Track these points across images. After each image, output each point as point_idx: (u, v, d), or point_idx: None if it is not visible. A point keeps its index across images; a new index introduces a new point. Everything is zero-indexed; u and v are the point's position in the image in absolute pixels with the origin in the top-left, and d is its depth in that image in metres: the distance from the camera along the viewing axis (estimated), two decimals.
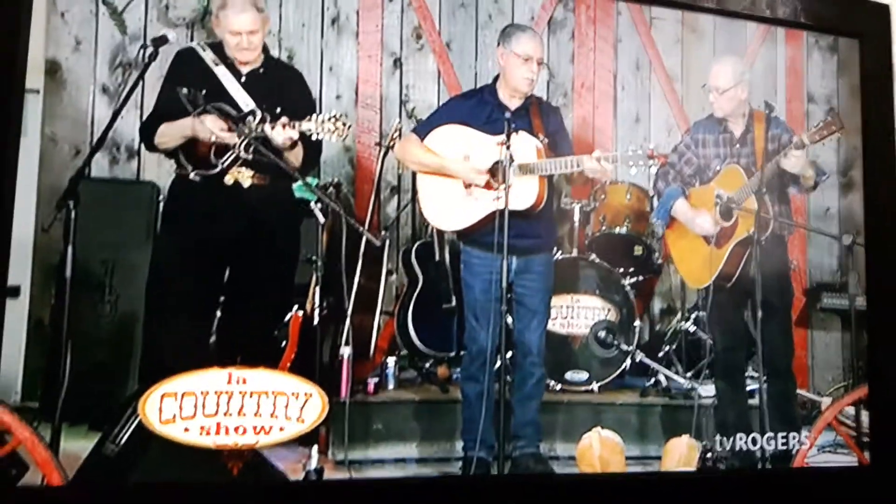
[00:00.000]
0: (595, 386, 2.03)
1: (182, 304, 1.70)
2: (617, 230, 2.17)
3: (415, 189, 1.96)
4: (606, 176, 1.89)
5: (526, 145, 1.84)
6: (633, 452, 1.82)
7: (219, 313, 1.73)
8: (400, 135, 1.95)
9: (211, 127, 1.66)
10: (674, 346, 2.13)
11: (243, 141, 1.67)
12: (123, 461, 1.47)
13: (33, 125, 1.64)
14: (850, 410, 1.79)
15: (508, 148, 1.80)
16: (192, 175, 1.69)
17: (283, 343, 1.70)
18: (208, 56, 1.73)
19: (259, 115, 1.69)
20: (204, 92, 1.67)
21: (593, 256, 2.13)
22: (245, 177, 1.71)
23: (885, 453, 1.68)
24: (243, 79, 1.74)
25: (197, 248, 1.71)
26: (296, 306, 1.75)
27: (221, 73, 1.72)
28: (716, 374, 1.98)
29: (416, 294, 2.03)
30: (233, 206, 1.71)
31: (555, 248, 2.00)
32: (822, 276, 2.10)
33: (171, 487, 1.41)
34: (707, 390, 1.94)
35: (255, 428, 1.47)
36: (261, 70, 1.76)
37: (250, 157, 1.68)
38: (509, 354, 1.85)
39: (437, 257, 2.04)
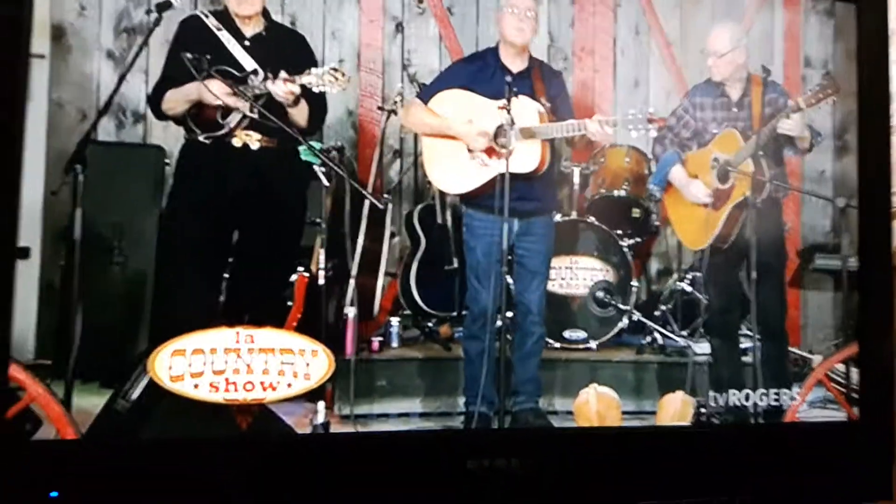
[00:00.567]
0: (593, 344, 2.07)
1: (192, 264, 1.74)
2: (616, 193, 2.20)
3: (416, 153, 1.98)
4: (608, 139, 1.91)
5: (528, 109, 1.86)
6: (629, 408, 1.86)
7: (227, 274, 1.75)
8: (402, 99, 1.97)
9: (215, 89, 1.68)
10: (670, 306, 2.17)
11: (248, 99, 1.69)
12: (135, 416, 1.51)
13: (39, 90, 1.65)
14: (841, 368, 1.83)
15: (509, 112, 1.82)
16: (201, 137, 1.71)
17: (290, 303, 1.74)
18: (212, 22, 1.74)
19: (261, 73, 1.71)
20: (209, 57, 1.68)
21: (592, 219, 2.15)
22: (253, 139, 1.73)
23: (873, 409, 1.72)
24: (247, 42, 1.75)
25: (207, 210, 1.74)
26: (301, 268, 1.78)
27: (225, 37, 1.73)
28: (710, 333, 2.02)
29: (418, 256, 2.06)
30: (242, 168, 1.74)
31: (555, 211, 2.04)
32: (815, 237, 2.13)
33: (181, 441, 1.45)
34: (702, 348, 1.98)
35: (262, 384, 1.51)
36: (264, 33, 1.77)
37: (256, 116, 1.70)
38: (510, 314, 1.89)
39: (439, 220, 2.07)
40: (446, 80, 1.92)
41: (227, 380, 1.49)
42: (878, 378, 1.73)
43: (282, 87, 1.69)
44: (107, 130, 1.77)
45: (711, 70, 2.02)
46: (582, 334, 2.07)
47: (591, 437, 1.70)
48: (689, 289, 2.15)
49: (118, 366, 1.58)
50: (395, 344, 1.96)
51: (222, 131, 1.71)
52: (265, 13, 1.78)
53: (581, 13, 2.16)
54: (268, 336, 1.53)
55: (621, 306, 2.09)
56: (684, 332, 2.11)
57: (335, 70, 1.71)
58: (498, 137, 1.84)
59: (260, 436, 1.51)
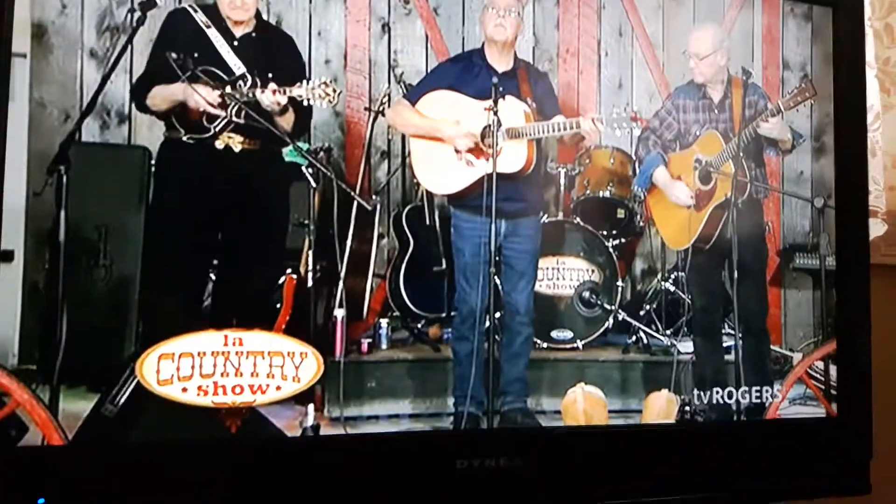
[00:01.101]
0: (579, 344, 2.09)
1: (176, 266, 1.72)
2: (601, 194, 2.22)
3: (405, 153, 1.98)
4: (597, 138, 1.93)
5: (514, 110, 1.87)
6: (616, 406, 1.88)
7: (212, 276, 1.74)
8: (389, 100, 1.97)
9: (200, 96, 1.66)
10: (654, 305, 2.20)
11: (234, 105, 1.68)
12: (123, 421, 1.50)
13: (21, 90, 1.62)
14: (820, 365, 1.87)
15: (496, 112, 1.84)
16: (184, 138, 1.69)
17: (278, 305, 1.73)
18: (200, 17, 1.71)
19: (249, 80, 1.70)
20: (196, 55, 1.66)
21: (578, 220, 2.18)
22: (236, 141, 1.71)
23: (851, 405, 1.77)
24: (236, 42, 1.73)
25: (190, 213, 1.72)
26: (289, 269, 1.78)
27: (213, 35, 1.71)
28: (694, 332, 2.06)
29: (407, 257, 2.06)
30: (224, 170, 1.72)
31: (541, 212, 2.06)
32: (795, 237, 2.16)
33: (170, 445, 1.44)
34: (685, 347, 2.01)
35: (251, 387, 1.50)
36: (253, 34, 1.76)
37: (242, 121, 1.69)
38: (498, 315, 1.90)
39: (427, 221, 2.07)
40: (433, 81, 1.92)
41: (215, 383, 1.48)
42: (855, 375, 1.77)
43: (270, 98, 1.68)
44: (91, 131, 1.74)
45: (693, 72, 2.05)
46: (569, 334, 2.09)
47: (579, 436, 1.72)
48: (672, 288, 2.18)
49: (105, 370, 1.55)
50: (384, 345, 1.96)
51: (207, 134, 1.69)
52: (257, 13, 1.76)
53: (565, 14, 2.17)
54: (256, 339, 1.52)
55: (607, 306, 2.11)
56: (668, 332, 2.14)
57: (326, 84, 1.71)
58: (485, 138, 1.85)
59: (249, 439, 1.51)
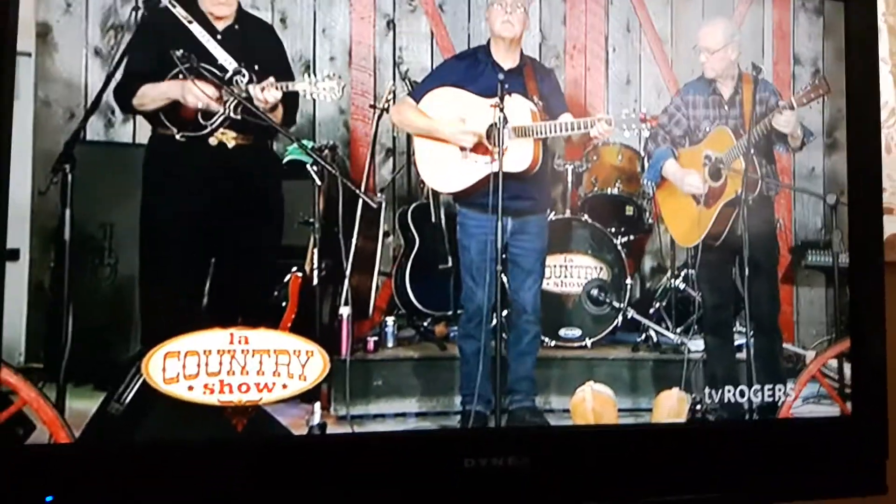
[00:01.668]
0: (588, 342, 2.07)
1: (173, 266, 1.71)
2: (609, 191, 2.21)
3: (410, 151, 1.97)
4: (606, 137, 1.92)
5: (520, 108, 1.86)
6: (625, 405, 1.86)
7: (210, 275, 1.74)
8: (394, 97, 1.96)
9: (200, 91, 1.65)
10: (664, 303, 2.18)
11: (232, 102, 1.67)
12: (129, 419, 1.49)
13: (26, 88, 1.63)
14: (834, 363, 1.84)
15: (502, 110, 1.83)
16: (177, 136, 1.68)
17: (284, 304, 1.73)
18: (180, 13, 1.69)
19: (247, 75, 1.69)
20: (181, 52, 1.65)
21: (586, 217, 2.16)
22: (229, 137, 1.71)
23: (866, 404, 1.74)
24: (219, 36, 1.71)
25: (185, 211, 1.71)
26: (294, 268, 1.77)
27: (197, 30, 1.69)
28: (704, 330, 2.03)
29: (412, 255, 2.05)
30: (219, 167, 1.71)
31: (549, 209, 2.04)
32: (807, 234, 2.14)
33: (177, 444, 1.44)
34: (696, 345, 1.99)
35: (258, 385, 1.50)
36: (235, 26, 1.73)
37: (238, 117, 1.68)
38: (505, 313, 1.89)
39: (433, 219, 2.07)
40: (438, 78, 1.91)
41: (221, 381, 1.48)
42: (870, 373, 1.75)
43: (272, 94, 1.68)
44: (95, 130, 1.74)
45: (704, 67, 2.03)
46: (577, 332, 2.07)
47: (588, 435, 1.70)
48: (682, 286, 2.16)
49: (111, 368, 1.55)
50: (390, 344, 1.95)
51: (203, 132, 1.68)
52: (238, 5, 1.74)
53: (573, 10, 2.15)
54: (262, 337, 1.52)
55: (616, 304, 2.10)
56: (679, 330, 2.12)
57: (330, 78, 1.70)
58: (490, 136, 1.84)
59: (256, 437, 1.50)
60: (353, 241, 1.88)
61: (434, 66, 2.01)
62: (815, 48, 2.18)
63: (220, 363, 1.48)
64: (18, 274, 1.57)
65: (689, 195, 2.03)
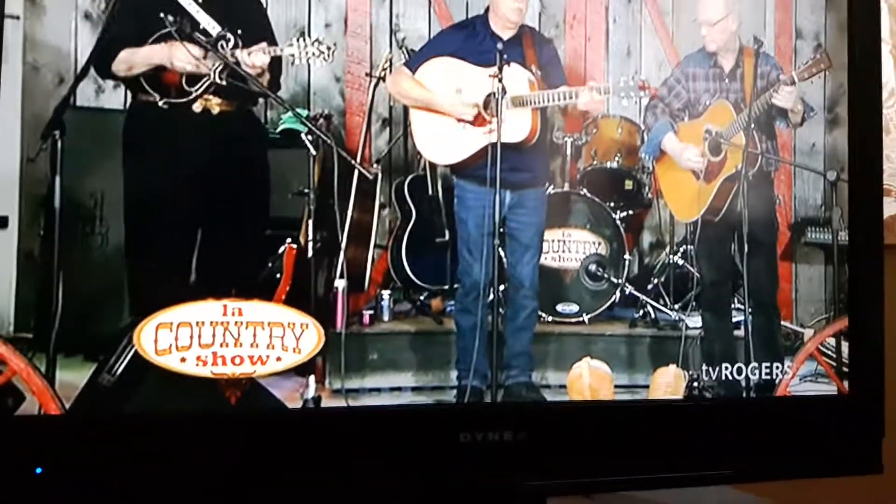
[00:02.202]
0: (585, 318, 2.06)
1: (160, 237, 1.68)
2: (608, 164, 2.19)
3: (407, 122, 1.94)
4: (600, 108, 1.91)
5: (518, 77, 1.83)
6: (622, 381, 1.84)
7: (197, 245, 1.71)
8: (391, 66, 1.92)
9: (187, 56, 1.62)
10: (662, 279, 2.17)
11: (218, 67, 1.64)
12: (120, 391, 1.47)
13: (14, 52, 1.59)
14: (832, 342, 1.84)
15: (500, 80, 1.80)
16: (160, 103, 1.64)
17: (278, 275, 1.71)
18: None
19: (232, 39, 1.65)
20: (162, 14, 1.61)
21: (584, 191, 2.14)
22: (213, 104, 1.67)
23: (863, 383, 1.74)
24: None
25: (169, 180, 1.66)
26: (289, 239, 1.75)
27: None
28: (702, 307, 2.03)
29: (409, 228, 2.03)
30: (204, 133, 1.67)
31: (547, 183, 2.02)
32: (806, 211, 2.12)
33: (169, 416, 1.42)
34: (694, 322, 1.99)
35: (251, 358, 1.48)
36: None
37: (224, 83, 1.64)
38: (502, 287, 1.87)
39: (430, 191, 2.04)
40: (435, 47, 1.88)
41: (214, 353, 1.46)
42: (868, 352, 1.75)
43: (261, 59, 1.64)
44: (86, 95, 1.70)
45: (705, 40, 2.01)
46: (574, 308, 2.06)
47: (584, 411, 1.70)
48: (681, 262, 2.15)
49: (102, 339, 1.53)
50: (386, 317, 1.93)
51: (187, 98, 1.64)
52: None
53: None
54: (256, 309, 1.50)
55: (614, 280, 2.08)
56: (677, 306, 2.11)
57: (320, 42, 1.66)
58: (488, 107, 1.82)
59: (250, 410, 1.49)
60: (349, 212, 1.85)
61: (431, 35, 1.97)
62: (818, 21, 2.15)
63: (214, 335, 1.46)
64: (7, 242, 1.54)
65: (689, 170, 2.01)
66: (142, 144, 1.67)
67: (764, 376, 1.82)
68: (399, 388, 1.80)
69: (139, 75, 1.63)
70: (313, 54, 1.67)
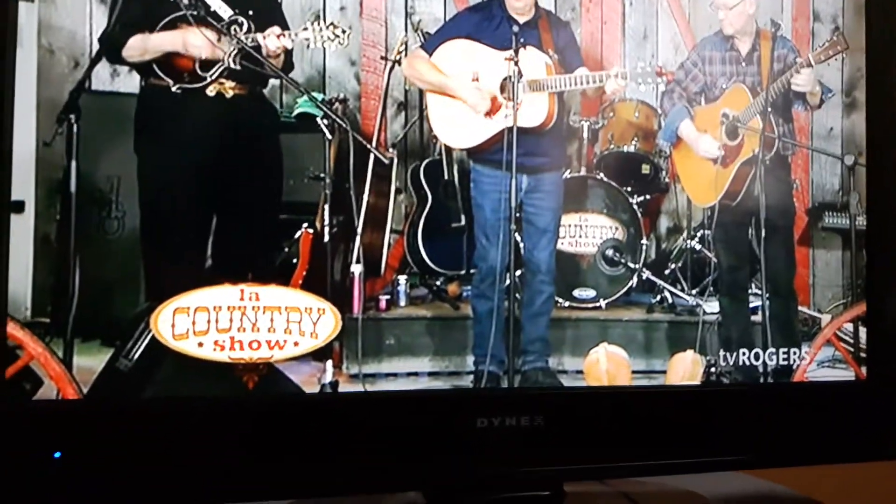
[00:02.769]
0: (602, 303, 2.05)
1: (174, 221, 1.67)
2: (625, 148, 2.17)
3: (423, 106, 1.93)
4: (618, 92, 1.89)
5: (535, 61, 1.82)
6: (639, 367, 1.85)
7: (213, 229, 1.70)
8: (406, 49, 1.91)
9: (202, 40, 1.60)
10: (679, 264, 2.15)
11: (233, 51, 1.62)
12: (138, 376, 1.47)
13: (29, 36, 1.58)
14: (849, 327, 1.83)
15: (517, 63, 1.79)
16: (174, 88, 1.63)
17: (295, 260, 1.70)
18: None
19: (246, 23, 1.64)
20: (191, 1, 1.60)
21: (601, 175, 2.13)
22: (227, 87, 1.66)
23: (881, 368, 1.73)
24: None
25: (184, 165, 1.66)
26: (305, 224, 1.74)
27: None
28: (720, 292, 2.01)
29: (425, 213, 2.02)
30: (218, 118, 1.66)
31: (564, 167, 2.01)
32: (824, 195, 2.11)
33: (187, 401, 1.42)
34: (711, 307, 1.97)
35: (269, 343, 1.47)
36: None
37: (238, 67, 1.63)
38: (519, 273, 1.87)
39: (446, 176, 2.03)
40: (451, 30, 1.87)
41: (232, 338, 1.45)
42: (886, 337, 1.74)
43: (274, 43, 1.62)
44: (101, 79, 1.69)
45: (722, 23, 1.99)
46: (591, 293, 2.05)
47: (601, 397, 1.69)
48: (698, 247, 2.14)
49: (119, 324, 1.52)
50: (402, 302, 1.93)
51: (202, 83, 1.63)
52: None
53: None
54: (273, 293, 1.49)
55: (631, 265, 2.07)
56: (694, 291, 2.09)
57: (335, 26, 1.65)
58: (504, 90, 1.80)
59: (267, 395, 1.48)
60: (365, 197, 1.85)
61: (447, 18, 1.95)
62: (835, 4, 2.12)
63: (231, 320, 1.46)
64: (24, 227, 1.53)
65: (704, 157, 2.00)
66: (155, 129, 1.66)
67: (781, 362, 1.82)
68: (416, 373, 1.80)
69: (151, 61, 1.62)
70: (328, 38, 1.65)
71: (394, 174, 1.95)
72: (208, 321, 1.45)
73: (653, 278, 2.12)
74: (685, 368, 1.79)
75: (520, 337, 1.82)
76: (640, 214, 2.12)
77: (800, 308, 1.99)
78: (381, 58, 1.95)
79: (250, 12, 1.64)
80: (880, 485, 1.95)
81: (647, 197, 2.19)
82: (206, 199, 1.69)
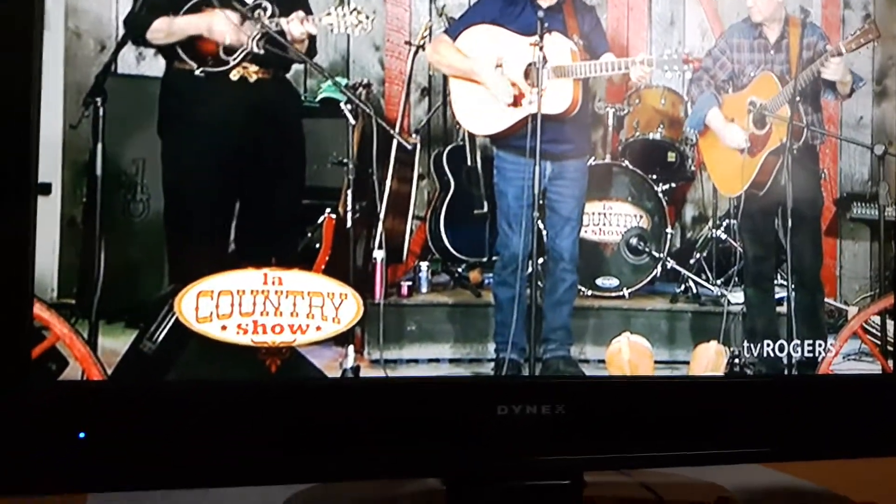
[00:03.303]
0: (626, 292, 2.04)
1: (197, 204, 1.68)
2: (651, 136, 2.15)
3: (446, 91, 1.92)
4: (644, 79, 1.87)
5: (560, 47, 1.80)
6: (662, 357, 1.83)
7: (236, 213, 1.70)
8: (430, 34, 1.90)
9: (227, 23, 1.60)
10: (704, 254, 2.13)
11: (257, 35, 1.62)
12: (161, 358, 1.48)
13: (56, 19, 1.58)
14: (876, 320, 1.80)
15: (541, 49, 1.77)
16: (197, 72, 1.63)
17: (318, 245, 1.71)
18: None
19: (270, 8, 1.63)
20: None
21: (626, 163, 2.11)
22: (250, 72, 1.66)
23: None
24: None
25: (207, 149, 1.67)
26: (328, 209, 1.74)
27: None
28: (745, 282, 1.99)
29: (447, 199, 2.02)
30: (242, 102, 1.66)
31: (588, 154, 1.99)
32: (852, 185, 2.08)
33: (210, 384, 1.43)
34: (736, 297, 1.96)
35: (291, 327, 1.48)
36: None
37: (262, 52, 1.63)
38: (541, 260, 1.86)
39: (468, 162, 2.02)
40: (475, 15, 1.85)
41: (255, 322, 1.46)
42: None
43: (298, 28, 1.62)
44: (127, 62, 1.69)
45: (751, 10, 1.96)
46: (615, 282, 2.04)
47: (623, 386, 1.68)
48: (724, 236, 2.12)
49: (143, 306, 1.54)
50: (424, 289, 1.93)
51: (225, 67, 1.63)
52: None
53: None
54: (296, 278, 1.50)
55: (655, 254, 2.06)
56: (719, 281, 2.07)
57: (359, 12, 1.64)
58: (528, 76, 1.79)
59: (289, 379, 1.49)
60: (388, 183, 1.84)
61: (472, 2, 1.94)
62: None
63: (254, 303, 1.46)
64: (50, 209, 1.54)
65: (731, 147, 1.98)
66: (178, 112, 1.66)
67: (806, 354, 1.80)
68: (437, 360, 1.80)
69: (174, 44, 1.62)
70: (352, 24, 1.65)
71: (417, 160, 1.95)
72: (231, 304, 1.45)
73: (677, 268, 2.10)
74: (709, 359, 1.78)
75: (541, 325, 1.81)
76: (665, 203, 2.09)
77: (826, 300, 1.97)
78: (406, 42, 1.94)
79: (300, 11, 1.64)
80: None
81: (673, 185, 2.17)
82: (229, 183, 1.70)
